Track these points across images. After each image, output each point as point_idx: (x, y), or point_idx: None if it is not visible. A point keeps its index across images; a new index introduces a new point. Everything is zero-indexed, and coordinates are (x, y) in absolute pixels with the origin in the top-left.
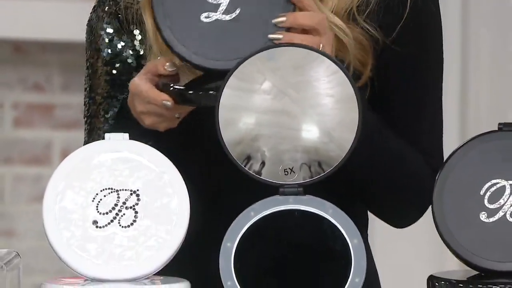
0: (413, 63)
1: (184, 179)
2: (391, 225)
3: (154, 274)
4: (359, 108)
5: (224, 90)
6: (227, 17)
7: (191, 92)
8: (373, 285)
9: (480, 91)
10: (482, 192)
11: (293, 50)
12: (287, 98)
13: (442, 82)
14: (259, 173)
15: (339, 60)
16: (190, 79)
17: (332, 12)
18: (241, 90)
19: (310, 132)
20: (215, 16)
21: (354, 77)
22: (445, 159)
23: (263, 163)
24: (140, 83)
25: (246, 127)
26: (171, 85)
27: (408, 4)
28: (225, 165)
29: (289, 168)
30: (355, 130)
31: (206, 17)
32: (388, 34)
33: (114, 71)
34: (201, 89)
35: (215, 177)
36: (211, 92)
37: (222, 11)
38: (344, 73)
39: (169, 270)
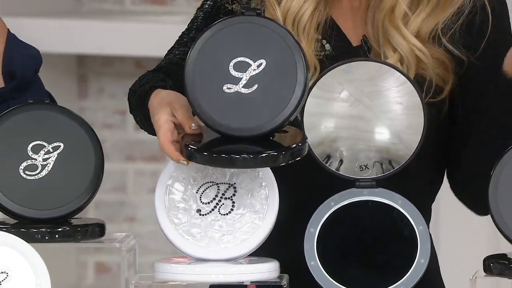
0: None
1: (275, 175)
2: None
3: (248, 255)
4: (424, 114)
5: (308, 99)
6: (246, 91)
7: (205, 153)
8: (431, 268)
9: None
10: None
11: (367, 64)
12: (362, 105)
13: None
14: (337, 169)
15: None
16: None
17: (414, 34)
18: (322, 99)
19: (382, 134)
20: (235, 88)
21: (435, 91)
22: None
23: (341, 161)
24: (161, 131)
25: (327, 130)
26: (189, 146)
27: (490, 25)
28: (310, 163)
29: (364, 165)
30: (420, 133)
31: (228, 88)
32: (471, 52)
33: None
34: (215, 152)
35: (301, 173)
36: (223, 155)
37: (242, 85)
38: (412, 84)
39: (262, 251)
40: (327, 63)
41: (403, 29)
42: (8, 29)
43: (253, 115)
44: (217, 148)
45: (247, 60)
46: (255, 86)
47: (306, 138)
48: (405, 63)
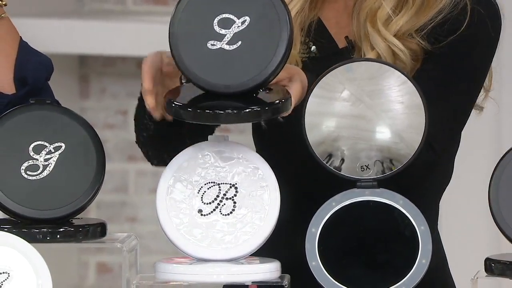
0: (446, 58)
1: (276, 175)
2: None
3: (250, 255)
4: (425, 113)
5: (309, 98)
6: (230, 47)
7: (190, 109)
8: (439, 266)
9: None
10: None
11: (368, 63)
12: (363, 105)
13: (473, 88)
14: (339, 169)
15: None
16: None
17: (393, 34)
18: (324, 98)
19: (383, 134)
20: (219, 44)
21: None
22: (500, 156)
23: (342, 160)
24: (147, 58)
25: (328, 130)
26: (174, 102)
27: (466, 21)
28: (310, 163)
29: (365, 165)
30: (422, 132)
31: (211, 45)
32: (435, 42)
33: None
34: (199, 108)
35: (302, 172)
36: (207, 111)
37: (226, 42)
38: (413, 83)
39: (263, 251)
40: (309, 65)
41: (383, 31)
42: (20, 36)
43: (237, 71)
44: (201, 104)
45: (231, 16)
46: (239, 43)
47: (290, 96)
48: (382, 59)
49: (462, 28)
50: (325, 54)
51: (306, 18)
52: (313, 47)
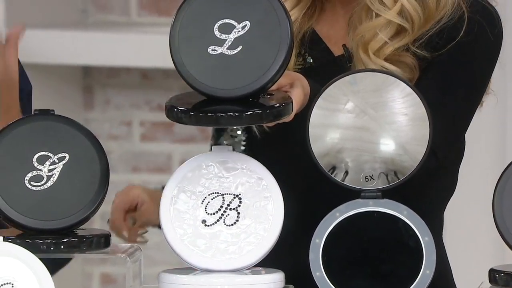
0: (446, 66)
1: (280, 186)
2: None
3: (254, 266)
4: (429, 125)
5: (313, 110)
6: (230, 52)
7: (192, 113)
8: (443, 276)
9: None
10: None
11: (373, 75)
12: (367, 117)
13: (472, 95)
14: (343, 180)
15: None
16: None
17: (384, 57)
18: (327, 110)
19: (387, 146)
20: (220, 50)
21: None
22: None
23: (346, 172)
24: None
25: (332, 141)
26: (176, 107)
27: (463, 29)
28: (315, 174)
29: (369, 176)
30: (425, 144)
31: (212, 50)
32: (433, 51)
33: None
34: (201, 112)
35: (306, 183)
36: (209, 114)
37: (227, 47)
38: (417, 95)
39: (267, 261)
40: (303, 74)
41: (373, 58)
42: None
43: (238, 76)
44: (203, 108)
45: (232, 21)
46: (240, 48)
47: (292, 100)
48: None
49: (460, 36)
50: (320, 63)
51: (300, 29)
52: (309, 58)
